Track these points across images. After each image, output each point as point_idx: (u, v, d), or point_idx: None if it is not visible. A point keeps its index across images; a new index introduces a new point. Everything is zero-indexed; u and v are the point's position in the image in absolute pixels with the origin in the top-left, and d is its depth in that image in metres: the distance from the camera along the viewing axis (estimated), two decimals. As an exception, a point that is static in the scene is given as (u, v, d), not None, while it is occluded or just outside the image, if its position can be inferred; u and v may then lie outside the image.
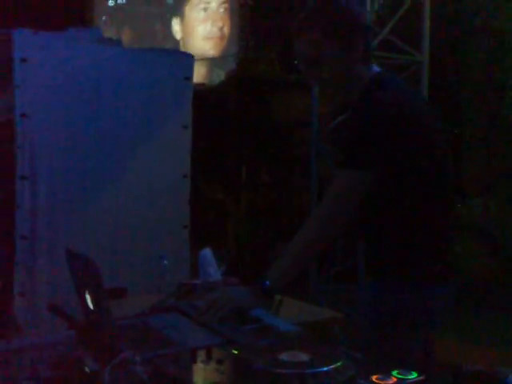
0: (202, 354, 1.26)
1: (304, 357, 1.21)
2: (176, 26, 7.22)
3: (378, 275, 1.73)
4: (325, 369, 1.16)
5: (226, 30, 6.77)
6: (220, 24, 6.80)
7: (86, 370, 1.30)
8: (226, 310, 1.64)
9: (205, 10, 6.94)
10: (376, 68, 1.74)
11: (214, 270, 2.40)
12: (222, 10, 6.80)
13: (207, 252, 2.47)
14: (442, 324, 1.71)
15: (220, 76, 6.72)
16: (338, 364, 1.18)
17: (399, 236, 1.67)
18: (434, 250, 1.70)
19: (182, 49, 6.66)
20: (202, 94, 5.16)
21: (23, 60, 3.15)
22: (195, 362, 1.24)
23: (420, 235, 1.67)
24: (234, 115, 6.31)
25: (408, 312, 1.64)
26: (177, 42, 7.11)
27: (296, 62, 1.71)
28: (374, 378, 1.12)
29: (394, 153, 1.59)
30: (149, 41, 7.23)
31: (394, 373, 1.14)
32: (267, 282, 1.63)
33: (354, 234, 1.84)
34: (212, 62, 6.84)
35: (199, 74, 6.10)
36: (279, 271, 1.66)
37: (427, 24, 5.23)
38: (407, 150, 1.61)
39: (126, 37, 7.18)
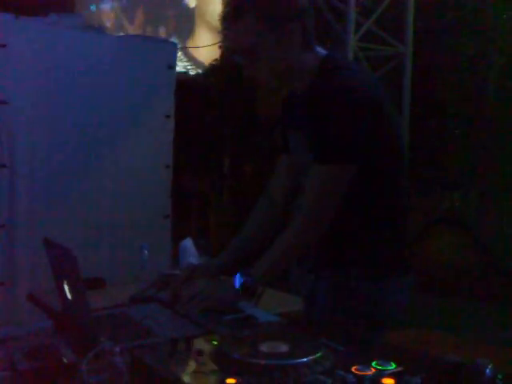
0: (181, 345, 1.25)
1: (284, 347, 1.22)
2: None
3: (337, 266, 1.68)
4: (304, 359, 1.16)
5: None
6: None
7: (64, 360, 1.29)
8: (207, 302, 1.63)
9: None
10: (321, 50, 1.65)
11: (194, 261, 2.39)
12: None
13: (188, 242, 2.46)
14: (401, 318, 1.69)
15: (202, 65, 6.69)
16: (318, 355, 1.18)
17: (363, 226, 1.64)
18: (395, 241, 1.69)
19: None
20: (185, 82, 5.12)
21: (2, 45, 3.09)
22: (175, 352, 1.24)
23: (383, 224, 1.65)
24: (217, 105, 6.29)
25: (366, 304, 1.62)
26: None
27: (233, 56, 1.64)
28: (353, 368, 1.12)
29: (369, 141, 1.55)
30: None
31: (374, 364, 1.15)
32: (249, 278, 1.60)
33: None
34: (196, 51, 6.80)
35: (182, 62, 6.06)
36: (262, 267, 1.63)
37: (411, 16, 5.24)
38: (379, 136, 1.58)
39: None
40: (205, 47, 6.48)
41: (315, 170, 1.59)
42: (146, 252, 2.36)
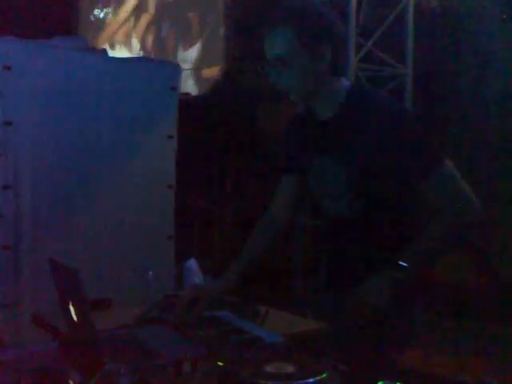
0: (187, 366, 1.25)
1: (289, 368, 1.21)
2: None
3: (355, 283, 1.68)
4: (310, 380, 1.16)
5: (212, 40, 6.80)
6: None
7: (70, 382, 1.29)
8: (199, 309, 1.65)
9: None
10: (346, 81, 1.71)
11: (199, 281, 2.40)
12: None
13: (192, 262, 2.47)
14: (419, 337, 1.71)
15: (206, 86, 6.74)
16: (323, 376, 1.18)
17: (394, 244, 1.66)
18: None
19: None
20: (187, 103, 5.15)
21: (7, 68, 3.13)
22: (180, 374, 1.23)
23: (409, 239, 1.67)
24: (219, 125, 6.32)
25: (394, 322, 1.64)
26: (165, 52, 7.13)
27: (263, 65, 1.68)
28: (359, 389, 1.12)
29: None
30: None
31: (380, 384, 1.15)
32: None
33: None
34: (197, 72, 6.85)
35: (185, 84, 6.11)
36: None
37: (411, 37, 5.29)
38: None
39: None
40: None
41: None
42: (151, 273, 2.36)
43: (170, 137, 3.75)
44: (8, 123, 3.15)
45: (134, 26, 7.44)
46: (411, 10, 5.25)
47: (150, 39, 7.34)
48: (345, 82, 1.70)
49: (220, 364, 1.27)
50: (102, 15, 7.65)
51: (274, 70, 1.64)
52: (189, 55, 6.99)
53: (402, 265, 1.59)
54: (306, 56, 1.60)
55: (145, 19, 7.35)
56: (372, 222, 1.66)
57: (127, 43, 7.49)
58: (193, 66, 6.83)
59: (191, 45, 6.97)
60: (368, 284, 1.61)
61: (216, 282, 1.88)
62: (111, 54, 6.07)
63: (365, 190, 1.63)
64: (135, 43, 7.43)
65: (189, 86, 6.73)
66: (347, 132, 1.64)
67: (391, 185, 1.63)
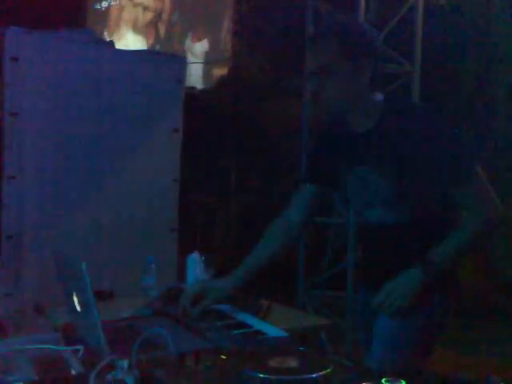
0: (190, 359, 1.25)
1: (293, 363, 1.21)
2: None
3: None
4: (314, 375, 1.16)
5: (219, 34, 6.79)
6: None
7: (72, 372, 1.29)
8: (205, 303, 1.66)
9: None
10: (380, 95, 1.76)
11: (201, 274, 2.39)
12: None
13: (195, 256, 2.46)
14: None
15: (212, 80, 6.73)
16: (327, 371, 1.18)
17: (420, 246, 1.71)
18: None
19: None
20: (192, 97, 5.15)
21: (14, 59, 3.13)
22: (183, 366, 1.23)
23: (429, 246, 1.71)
24: (224, 119, 6.31)
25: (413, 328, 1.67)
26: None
27: (308, 73, 1.75)
28: (363, 385, 1.11)
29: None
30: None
31: (383, 380, 1.14)
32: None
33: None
34: (204, 66, 6.84)
35: (191, 78, 6.10)
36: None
37: (419, 34, 5.26)
38: None
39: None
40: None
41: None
42: (154, 265, 2.36)
43: (176, 130, 3.75)
44: (14, 114, 3.15)
45: (142, 18, 7.43)
46: (420, 7, 5.22)
47: (157, 31, 7.33)
48: (379, 96, 1.76)
49: (223, 357, 1.26)
50: (109, 7, 7.64)
51: (316, 79, 1.70)
52: (196, 49, 6.98)
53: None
54: (348, 67, 1.66)
55: (152, 11, 7.34)
56: (413, 228, 1.72)
57: (134, 35, 7.48)
58: (200, 60, 6.82)
59: (199, 38, 6.96)
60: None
61: (224, 281, 1.86)
62: (118, 46, 6.06)
63: (406, 198, 1.70)
64: (142, 35, 7.42)
65: (195, 80, 6.72)
66: (387, 144, 1.68)
67: (432, 192, 1.69)
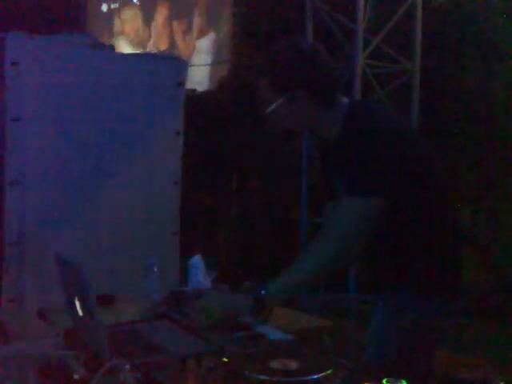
0: (192, 362, 1.25)
1: (294, 365, 1.21)
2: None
3: (388, 290, 1.74)
4: (315, 377, 1.16)
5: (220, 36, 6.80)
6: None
7: (75, 376, 1.29)
8: (215, 317, 1.64)
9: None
10: (345, 99, 1.75)
11: (203, 277, 2.39)
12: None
13: (197, 259, 2.46)
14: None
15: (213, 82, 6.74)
16: (328, 372, 1.18)
17: (410, 251, 1.69)
18: (445, 264, 1.73)
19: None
20: (193, 99, 5.15)
21: (15, 63, 3.13)
22: (185, 369, 1.23)
23: (431, 249, 1.70)
24: (225, 121, 6.32)
25: (421, 327, 1.66)
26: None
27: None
28: (364, 386, 1.12)
29: (398, 172, 1.62)
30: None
31: (384, 381, 1.14)
32: (263, 292, 1.61)
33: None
34: (205, 68, 6.84)
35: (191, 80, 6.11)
36: (280, 286, 1.64)
37: (419, 33, 5.26)
38: (408, 165, 1.64)
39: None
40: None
41: (342, 204, 1.63)
42: (156, 269, 2.36)
43: (177, 133, 3.75)
44: (15, 119, 3.16)
45: (142, 21, 7.43)
46: (419, 6, 5.22)
47: (158, 34, 7.33)
48: (344, 103, 1.73)
49: (225, 360, 1.27)
50: (109, 10, 7.65)
51: (267, 115, 1.69)
52: (197, 51, 6.98)
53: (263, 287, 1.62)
54: (283, 103, 1.65)
55: (152, 14, 7.35)
56: (386, 234, 1.69)
57: (135, 38, 7.49)
58: (200, 61, 6.83)
59: (199, 40, 6.97)
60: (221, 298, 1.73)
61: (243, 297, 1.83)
62: (118, 49, 6.07)
63: None
64: (143, 38, 7.42)
65: (195, 82, 6.72)
66: (344, 154, 1.67)
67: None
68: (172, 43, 7.20)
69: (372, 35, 5.19)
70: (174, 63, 3.95)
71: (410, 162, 1.65)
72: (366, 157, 1.59)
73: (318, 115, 1.69)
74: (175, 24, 7.20)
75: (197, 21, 7.02)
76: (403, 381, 1.15)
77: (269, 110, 1.66)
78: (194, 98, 5.57)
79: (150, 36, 7.39)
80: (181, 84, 3.81)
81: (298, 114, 1.68)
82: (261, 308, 1.61)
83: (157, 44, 7.31)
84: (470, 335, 3.91)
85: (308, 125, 1.74)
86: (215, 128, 6.24)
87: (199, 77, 6.82)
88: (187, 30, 7.12)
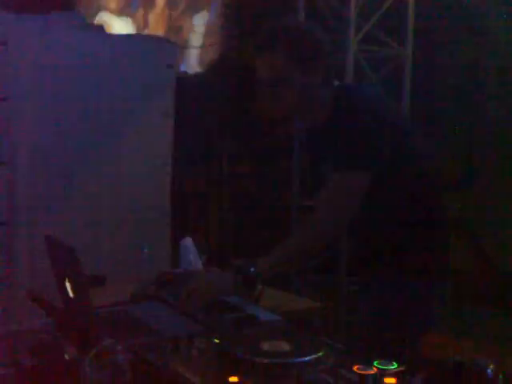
0: (183, 343, 1.25)
1: (285, 346, 1.22)
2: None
3: (377, 274, 1.75)
4: (306, 358, 1.17)
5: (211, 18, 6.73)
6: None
7: (66, 357, 1.29)
8: (205, 298, 1.65)
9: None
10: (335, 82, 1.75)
11: (194, 260, 2.40)
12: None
13: (188, 241, 2.47)
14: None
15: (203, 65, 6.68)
16: (320, 354, 1.19)
17: (397, 233, 1.70)
18: (433, 246, 1.74)
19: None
20: (183, 82, 5.11)
21: (3, 43, 3.09)
22: (177, 350, 1.24)
23: (416, 231, 1.70)
24: (216, 105, 6.29)
25: (409, 309, 1.67)
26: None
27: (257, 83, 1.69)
28: (355, 367, 1.12)
29: (386, 148, 1.62)
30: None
31: (375, 363, 1.15)
32: (252, 269, 1.62)
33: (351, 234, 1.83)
34: (196, 50, 6.79)
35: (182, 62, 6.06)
36: (269, 262, 1.66)
37: (411, 18, 5.25)
38: (397, 143, 1.65)
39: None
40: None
41: (329, 182, 1.65)
42: (146, 251, 2.36)
43: (167, 115, 3.73)
44: (3, 99, 3.13)
45: (131, 1, 7.34)
46: (412, -9, 5.20)
47: (148, 14, 7.25)
48: (334, 85, 1.74)
49: (216, 341, 1.27)
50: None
51: (269, 91, 1.68)
52: (186, 33, 6.92)
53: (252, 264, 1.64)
54: (298, 74, 1.65)
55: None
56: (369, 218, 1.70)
57: (126, 19, 7.40)
58: (192, 44, 6.77)
59: (188, 23, 6.90)
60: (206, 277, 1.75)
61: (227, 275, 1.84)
62: (108, 30, 6.00)
63: None
64: (132, 19, 7.34)
65: (187, 64, 6.67)
66: (333, 137, 1.68)
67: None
68: (160, 25, 7.12)
69: (364, 19, 5.17)
70: (164, 45, 3.92)
71: (397, 141, 1.66)
72: (353, 133, 1.61)
73: (320, 94, 1.69)
74: (164, 5, 7.12)
75: (187, 2, 6.95)
76: (394, 363, 1.16)
77: (278, 79, 1.64)
78: (184, 80, 5.52)
79: (138, 18, 7.31)
80: (171, 66, 3.78)
81: (307, 90, 1.67)
82: (250, 285, 1.62)
83: (146, 26, 7.23)
84: (459, 319, 3.96)
85: (308, 104, 1.72)
86: (207, 111, 6.20)
87: (190, 59, 6.77)
88: (176, 9, 7.04)
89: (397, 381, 1.10)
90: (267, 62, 1.66)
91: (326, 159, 1.75)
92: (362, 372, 1.11)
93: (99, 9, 7.19)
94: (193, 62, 6.58)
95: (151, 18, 7.09)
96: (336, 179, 1.64)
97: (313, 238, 1.66)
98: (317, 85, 1.68)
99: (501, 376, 1.06)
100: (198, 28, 6.79)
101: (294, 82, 1.65)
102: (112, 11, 7.14)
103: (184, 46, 6.65)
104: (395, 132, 1.67)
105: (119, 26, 7.12)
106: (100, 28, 3.98)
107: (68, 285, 1.44)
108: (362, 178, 1.61)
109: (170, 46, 3.94)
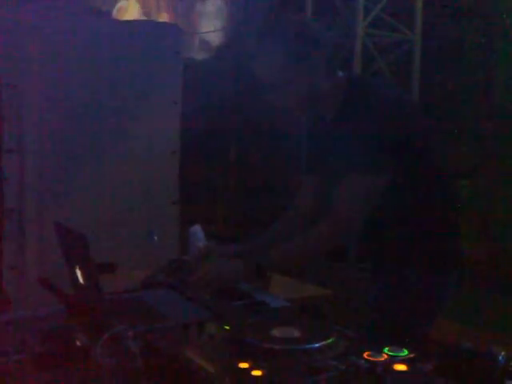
0: (193, 329, 1.25)
1: (296, 333, 1.22)
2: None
3: (387, 261, 1.75)
4: (316, 345, 1.17)
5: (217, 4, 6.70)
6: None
7: (77, 344, 1.30)
8: (215, 285, 1.65)
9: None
10: (341, 74, 1.74)
11: (203, 246, 2.40)
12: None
13: (197, 228, 2.47)
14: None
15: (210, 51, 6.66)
16: (330, 340, 1.19)
17: (408, 227, 1.70)
18: (443, 239, 1.74)
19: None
20: (191, 69, 5.09)
21: (9, 30, 3.08)
22: (187, 336, 1.24)
23: (430, 221, 1.71)
24: (224, 93, 6.27)
25: (418, 299, 1.68)
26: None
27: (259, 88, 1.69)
28: (365, 354, 1.12)
29: (401, 148, 1.61)
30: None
31: (386, 350, 1.15)
32: (264, 258, 1.62)
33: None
34: (203, 37, 6.76)
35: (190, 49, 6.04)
36: (282, 254, 1.66)
37: (420, 1, 5.19)
38: (409, 141, 1.64)
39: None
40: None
41: (347, 180, 1.63)
42: (155, 237, 2.37)
43: (174, 102, 3.72)
44: (11, 86, 3.12)
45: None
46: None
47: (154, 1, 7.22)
48: (342, 77, 1.73)
49: (226, 328, 1.27)
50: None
51: (272, 90, 1.67)
52: (192, 20, 6.89)
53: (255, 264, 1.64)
54: (298, 69, 1.63)
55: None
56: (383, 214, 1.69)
57: (132, 5, 7.37)
58: (197, 30, 6.74)
59: (194, 8, 6.86)
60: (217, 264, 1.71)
61: (228, 246, 1.88)
62: (115, 16, 5.99)
63: None
64: (139, 3, 7.31)
65: (192, 50, 6.65)
66: (346, 132, 1.66)
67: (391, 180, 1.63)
68: (163, 11, 7.09)
69: (373, 3, 5.12)
70: (171, 31, 3.89)
71: (411, 138, 1.65)
72: (369, 134, 1.59)
73: (325, 87, 1.69)
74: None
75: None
76: (404, 349, 1.16)
77: (278, 73, 1.63)
78: (192, 67, 5.51)
79: (145, 2, 7.27)
80: (178, 52, 3.76)
81: (311, 85, 1.66)
82: (261, 272, 1.62)
83: (152, 12, 7.19)
84: (468, 305, 3.95)
85: (315, 98, 1.71)
86: (214, 98, 6.19)
87: (196, 45, 6.74)
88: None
89: (407, 368, 1.10)
90: (266, 56, 1.66)
91: (334, 150, 1.74)
92: (373, 359, 1.11)
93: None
94: (200, 48, 6.56)
95: (162, 3, 7.07)
96: (355, 179, 1.62)
97: (326, 238, 1.66)
98: (319, 77, 1.66)
99: (512, 363, 1.05)
100: (207, 14, 6.76)
101: (295, 77, 1.64)
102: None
103: (193, 32, 6.62)
104: (410, 128, 1.66)
105: (136, 11, 7.11)
106: (106, 13, 3.96)
107: (79, 272, 1.45)
108: (381, 179, 1.60)
109: (177, 31, 3.91)
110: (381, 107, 1.61)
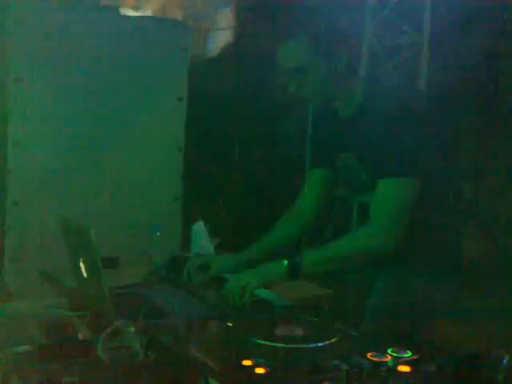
0: (196, 326, 1.25)
1: (300, 332, 1.21)
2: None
3: (391, 262, 1.72)
4: (320, 344, 1.16)
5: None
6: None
7: (79, 337, 1.30)
8: (248, 296, 1.63)
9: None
10: (361, 74, 1.75)
11: (206, 243, 2.40)
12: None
13: (200, 225, 2.47)
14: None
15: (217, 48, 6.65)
16: (333, 340, 1.18)
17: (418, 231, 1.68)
18: (446, 239, 1.73)
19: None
20: (197, 66, 5.08)
21: (19, 23, 3.09)
22: (190, 333, 1.24)
23: (433, 224, 1.70)
24: (229, 90, 6.26)
25: (423, 298, 1.67)
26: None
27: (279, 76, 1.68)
28: (369, 355, 1.12)
29: (427, 149, 1.61)
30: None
31: (389, 351, 1.14)
32: (298, 260, 1.59)
33: None
34: (209, 34, 6.75)
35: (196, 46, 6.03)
36: (315, 257, 1.63)
37: (428, 4, 5.18)
38: (433, 143, 1.64)
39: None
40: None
41: (387, 185, 1.60)
42: (158, 233, 2.36)
43: (180, 99, 3.72)
44: (18, 79, 3.13)
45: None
46: (430, -24, 5.13)
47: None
48: (361, 76, 1.73)
49: (230, 325, 1.27)
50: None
51: (292, 80, 1.67)
52: (200, 16, 6.88)
53: (294, 266, 1.59)
54: (323, 63, 1.64)
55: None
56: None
57: (140, 1, 7.37)
58: (203, 27, 6.73)
59: (202, 5, 6.86)
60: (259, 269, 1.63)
61: (230, 255, 1.86)
62: (123, 12, 5.98)
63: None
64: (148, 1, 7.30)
65: (199, 47, 6.64)
66: (366, 130, 1.65)
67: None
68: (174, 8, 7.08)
69: (381, 5, 5.11)
70: (178, 27, 3.88)
71: (435, 139, 1.66)
72: (398, 138, 1.58)
73: (345, 82, 1.68)
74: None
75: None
76: (408, 350, 1.15)
77: (300, 67, 1.63)
78: (197, 64, 5.50)
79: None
80: (185, 49, 3.75)
81: (331, 78, 1.66)
82: (294, 275, 1.58)
83: (160, 8, 7.18)
84: (470, 308, 3.94)
85: (333, 91, 1.70)
86: (219, 95, 6.18)
87: (202, 43, 6.73)
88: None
89: (411, 369, 1.09)
90: (291, 50, 1.65)
91: (345, 150, 1.74)
92: (376, 359, 1.10)
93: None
94: (209, 45, 6.55)
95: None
96: (392, 185, 1.60)
97: (360, 249, 1.63)
98: (341, 72, 1.66)
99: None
100: (217, 12, 6.75)
101: (318, 70, 1.64)
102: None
103: (200, 29, 6.62)
104: (433, 129, 1.66)
105: (144, 7, 7.10)
106: (113, 8, 3.96)
107: (82, 266, 1.45)
108: (415, 185, 1.59)
109: (185, 28, 3.91)
110: (410, 106, 1.60)
